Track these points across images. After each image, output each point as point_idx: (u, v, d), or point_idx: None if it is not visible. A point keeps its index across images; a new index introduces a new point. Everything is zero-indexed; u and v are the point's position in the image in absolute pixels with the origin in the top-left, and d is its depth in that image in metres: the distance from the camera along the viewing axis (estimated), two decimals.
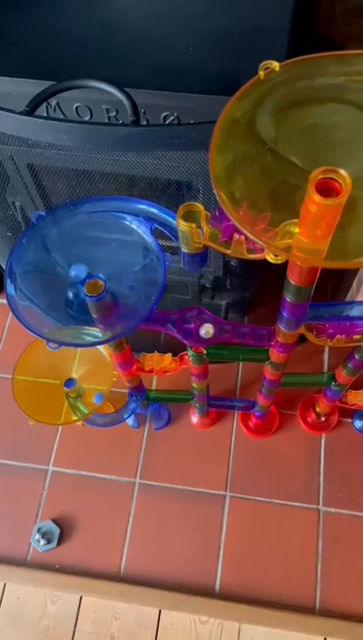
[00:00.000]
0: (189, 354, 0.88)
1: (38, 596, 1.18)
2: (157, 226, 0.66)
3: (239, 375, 1.35)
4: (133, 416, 1.27)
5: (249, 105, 0.48)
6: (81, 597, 1.17)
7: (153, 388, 1.34)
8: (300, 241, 0.51)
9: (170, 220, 0.65)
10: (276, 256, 0.48)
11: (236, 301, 1.27)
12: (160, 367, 0.95)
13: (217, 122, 0.48)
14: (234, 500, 1.22)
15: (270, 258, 0.49)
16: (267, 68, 0.47)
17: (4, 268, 1.32)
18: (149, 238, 0.68)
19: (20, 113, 0.64)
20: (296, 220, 0.51)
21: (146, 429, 1.30)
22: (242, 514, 1.21)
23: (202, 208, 0.59)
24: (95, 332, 0.81)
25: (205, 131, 0.65)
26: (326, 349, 1.37)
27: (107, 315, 0.73)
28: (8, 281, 0.72)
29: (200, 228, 0.60)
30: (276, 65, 0.47)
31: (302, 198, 0.51)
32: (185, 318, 0.80)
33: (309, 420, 1.27)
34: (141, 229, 0.68)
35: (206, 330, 0.79)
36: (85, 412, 1.10)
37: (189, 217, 0.59)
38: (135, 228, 0.68)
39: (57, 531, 1.20)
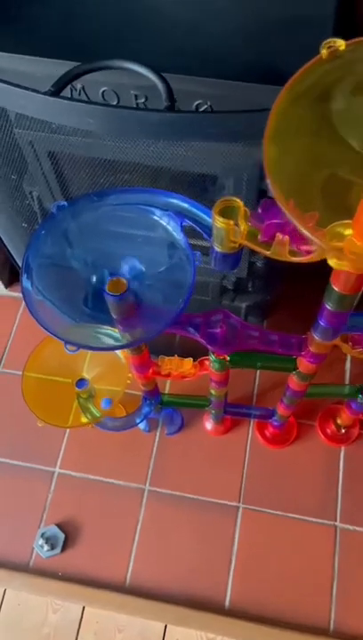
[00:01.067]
0: (211, 360, 0.83)
1: (39, 604, 1.13)
2: (188, 222, 0.61)
3: (257, 381, 1.29)
4: (144, 420, 1.22)
5: (307, 89, 0.43)
6: (84, 607, 1.12)
7: (166, 391, 1.29)
8: (352, 244, 0.45)
9: (203, 216, 0.60)
10: (338, 260, 0.42)
11: (256, 304, 1.21)
12: (179, 372, 0.89)
13: (272, 109, 0.42)
14: (247, 511, 1.17)
15: (333, 262, 0.43)
16: (330, 47, 0.41)
17: (15, 259, 1.28)
18: (178, 235, 0.62)
19: (45, 93, 0.59)
20: (348, 221, 0.46)
21: (157, 434, 1.25)
22: (255, 527, 1.15)
23: (242, 204, 0.54)
24: (113, 331, 0.76)
25: (244, 120, 0.59)
26: (349, 358, 1.31)
27: (128, 316, 0.68)
28: (24, 275, 0.67)
29: (237, 225, 0.54)
30: (341, 43, 0.41)
31: (357, 196, 0.46)
32: (210, 322, 0.75)
33: (328, 431, 1.21)
34: (170, 225, 0.62)
35: None
36: (97, 414, 1.05)
37: (227, 213, 0.54)
38: (164, 223, 0.62)
39: (61, 536, 1.15)
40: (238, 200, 0.54)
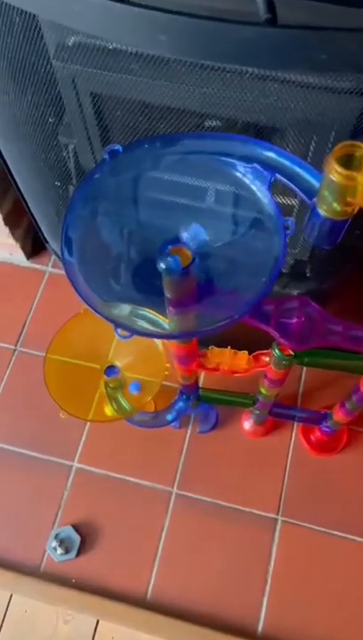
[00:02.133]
0: (275, 355, 0.69)
1: (49, 612, 1.01)
2: (280, 178, 0.47)
3: (303, 378, 1.15)
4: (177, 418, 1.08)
5: None
6: (98, 620, 1.00)
7: (200, 384, 1.15)
8: None
9: (304, 173, 0.46)
10: None
11: (310, 292, 1.07)
12: (230, 367, 0.76)
13: None
14: (287, 525, 1.03)
15: None
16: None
17: (40, 227, 1.14)
18: (264, 196, 0.48)
19: None
20: None
21: (188, 430, 1.12)
22: (295, 543, 1.02)
23: None
24: (154, 315, 0.63)
25: None
26: None
27: (185, 296, 0.54)
28: (65, 246, 0.53)
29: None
30: None
31: None
32: (283, 310, 0.60)
33: None
34: (254, 184, 0.48)
35: None
36: (127, 407, 0.92)
37: (348, 163, 0.40)
38: (247, 181, 0.48)
39: (77, 539, 1.03)
40: None
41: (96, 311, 0.49)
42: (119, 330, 0.50)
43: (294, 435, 1.10)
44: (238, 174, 0.48)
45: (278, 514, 1.04)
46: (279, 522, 1.04)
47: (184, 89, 0.54)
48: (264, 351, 0.75)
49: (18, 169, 0.93)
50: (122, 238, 0.66)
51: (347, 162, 0.40)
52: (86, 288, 0.57)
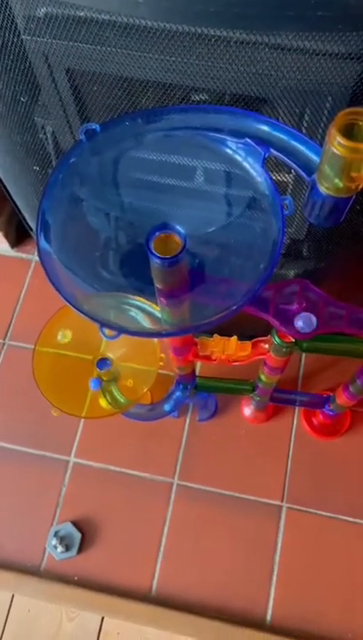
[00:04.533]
0: (275, 342, 0.65)
1: (53, 610, 0.99)
2: (275, 154, 0.42)
3: (303, 361, 1.12)
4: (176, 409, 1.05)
5: None
6: (103, 617, 0.98)
7: (197, 372, 1.12)
8: None
9: (302, 148, 0.41)
10: None
11: (307, 273, 1.02)
12: (227, 355, 0.72)
13: None
14: (292, 512, 1.01)
15: None
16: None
17: (24, 214, 1.09)
18: (258, 174, 0.44)
19: None
20: None
21: (187, 419, 1.09)
22: (301, 530, 1.00)
23: None
24: (144, 303, 0.59)
25: None
26: None
27: (177, 286, 0.50)
28: (40, 232, 0.49)
29: None
30: None
31: None
32: (283, 295, 0.57)
33: None
34: (247, 161, 0.44)
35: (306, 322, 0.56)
36: (121, 400, 0.88)
37: (350, 133, 0.35)
38: (239, 158, 0.44)
39: (78, 536, 1.00)
40: None
41: (72, 305, 0.44)
42: (104, 328, 0.46)
43: (295, 419, 1.07)
44: (229, 151, 0.43)
45: (282, 501, 1.02)
46: (284, 509, 1.01)
47: (165, 60, 0.49)
48: (263, 338, 0.71)
49: None
50: (109, 223, 0.62)
51: (349, 132, 0.36)
52: (66, 279, 0.53)
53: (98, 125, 0.45)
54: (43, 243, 0.45)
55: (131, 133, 0.47)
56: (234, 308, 0.45)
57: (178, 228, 0.45)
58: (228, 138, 0.43)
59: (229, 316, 0.45)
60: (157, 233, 0.46)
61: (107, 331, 0.46)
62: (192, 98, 0.62)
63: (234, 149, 0.43)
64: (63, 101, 0.67)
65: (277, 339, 0.64)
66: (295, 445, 1.05)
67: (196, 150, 0.47)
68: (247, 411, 1.06)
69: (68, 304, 0.44)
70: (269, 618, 0.95)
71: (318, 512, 1.01)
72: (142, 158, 0.51)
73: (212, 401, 1.07)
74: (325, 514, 1.00)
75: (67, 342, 0.92)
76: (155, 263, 0.47)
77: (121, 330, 0.46)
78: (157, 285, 0.51)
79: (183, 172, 0.51)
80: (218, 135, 0.43)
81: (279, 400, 0.99)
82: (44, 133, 0.74)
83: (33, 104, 0.68)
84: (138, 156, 0.50)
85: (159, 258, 0.45)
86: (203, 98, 0.61)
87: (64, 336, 0.92)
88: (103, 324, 0.45)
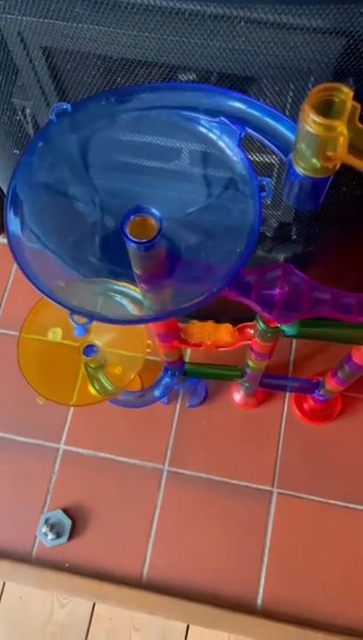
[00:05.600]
0: (260, 328, 0.64)
1: (44, 598, 0.99)
2: (251, 133, 0.41)
3: (293, 346, 1.11)
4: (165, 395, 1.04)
5: None
6: (94, 603, 0.98)
7: (187, 358, 1.11)
8: None
9: (277, 125, 0.40)
10: None
11: (296, 256, 1.01)
12: (213, 341, 0.71)
13: None
14: (282, 497, 1.01)
15: None
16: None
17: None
18: (234, 154, 0.42)
19: None
20: None
21: (178, 406, 1.08)
22: (292, 515, 1.00)
23: (351, 95, 0.33)
24: (130, 289, 0.58)
25: None
26: None
27: (155, 271, 0.49)
28: (10, 214, 0.47)
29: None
30: None
31: None
32: (266, 280, 0.55)
33: None
34: (222, 140, 0.42)
35: None
36: (109, 387, 0.87)
37: (327, 110, 0.34)
38: (214, 137, 0.42)
39: (68, 523, 1.00)
40: (346, 89, 0.34)
41: (37, 287, 0.43)
42: (74, 315, 0.45)
43: (286, 404, 1.06)
44: (203, 129, 0.42)
45: (273, 486, 1.01)
46: (275, 494, 1.01)
47: (139, 36, 0.47)
48: (249, 323, 0.70)
49: None
50: (91, 207, 0.60)
51: (326, 110, 0.34)
52: (48, 264, 0.51)
53: (69, 105, 0.44)
54: (12, 226, 0.44)
55: (105, 113, 0.46)
56: (213, 291, 0.43)
57: (153, 210, 0.44)
58: (202, 116, 0.41)
59: (207, 300, 0.44)
60: (132, 217, 0.45)
61: (77, 317, 0.45)
62: (179, 77, 0.60)
63: (208, 127, 0.41)
64: (41, 81, 0.65)
65: (261, 324, 0.63)
66: (286, 431, 1.05)
67: (171, 130, 0.45)
68: (237, 396, 1.05)
69: (33, 286, 0.43)
70: (259, 602, 0.95)
71: (309, 497, 1.00)
72: (118, 139, 0.49)
73: (202, 387, 1.07)
74: (316, 499, 1.00)
75: (59, 340, 0.91)
76: (131, 248, 0.46)
77: (92, 317, 0.45)
78: (136, 271, 0.50)
79: (160, 152, 0.49)
80: (192, 114, 0.42)
81: (269, 386, 0.98)
82: (24, 115, 0.72)
83: (10, 84, 0.66)
84: (113, 136, 0.49)
85: (135, 242, 0.44)
86: (190, 77, 0.60)
87: (55, 334, 0.91)
88: (74, 310, 0.44)
